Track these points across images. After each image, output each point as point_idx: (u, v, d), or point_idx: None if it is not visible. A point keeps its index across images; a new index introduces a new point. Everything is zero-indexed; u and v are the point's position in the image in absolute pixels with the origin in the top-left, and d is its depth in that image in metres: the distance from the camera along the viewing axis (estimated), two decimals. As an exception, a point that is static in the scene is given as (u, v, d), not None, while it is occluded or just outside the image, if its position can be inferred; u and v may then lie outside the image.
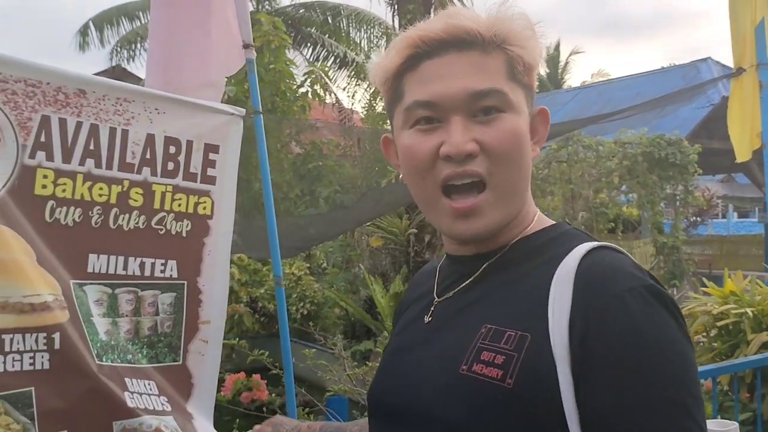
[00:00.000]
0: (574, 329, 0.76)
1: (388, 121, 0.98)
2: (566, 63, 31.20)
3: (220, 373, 3.95)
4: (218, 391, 3.61)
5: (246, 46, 1.95)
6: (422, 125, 0.87)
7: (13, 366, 1.46)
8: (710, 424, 0.92)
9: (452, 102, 0.85)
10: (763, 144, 2.99)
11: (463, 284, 0.92)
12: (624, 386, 0.73)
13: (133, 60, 16.35)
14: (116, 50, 17.23)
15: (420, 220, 5.33)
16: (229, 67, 2.04)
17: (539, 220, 0.93)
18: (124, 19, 16.74)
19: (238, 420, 3.22)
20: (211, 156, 1.83)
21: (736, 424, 0.97)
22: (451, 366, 0.84)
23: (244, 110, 1.88)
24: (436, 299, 0.96)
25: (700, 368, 2.83)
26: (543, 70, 31.38)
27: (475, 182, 0.86)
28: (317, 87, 8.50)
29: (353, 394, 3.46)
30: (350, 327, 6.65)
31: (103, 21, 16.73)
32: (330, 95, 10.62)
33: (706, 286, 4.98)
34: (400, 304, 1.11)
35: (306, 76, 8.66)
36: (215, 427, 2.85)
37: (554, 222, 0.94)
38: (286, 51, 8.50)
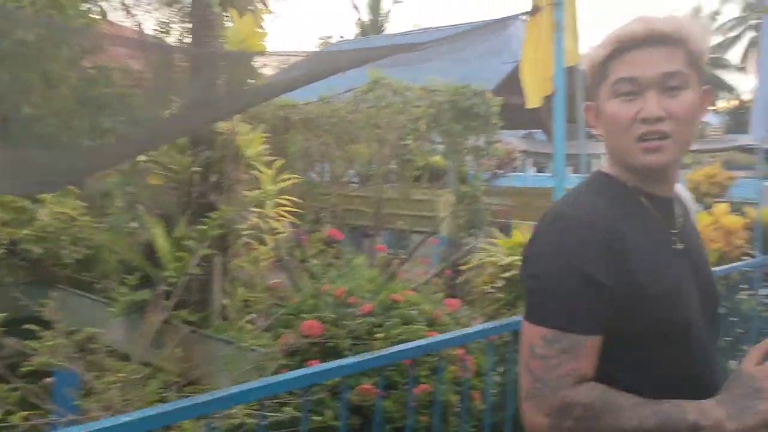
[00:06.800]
0: None
1: (589, 97, 1.34)
2: (388, 11, 31.20)
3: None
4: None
5: None
6: (624, 96, 1.23)
7: None
8: None
9: (649, 80, 1.22)
10: (555, 88, 2.83)
11: (680, 219, 1.34)
12: None
13: None
14: None
15: (206, 158, 4.75)
16: None
17: None
18: None
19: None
20: None
21: None
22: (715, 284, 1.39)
23: None
24: (677, 230, 1.32)
25: (480, 327, 2.66)
26: (365, 15, 31.18)
27: (661, 136, 1.22)
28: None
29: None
30: (133, 274, 5.95)
31: None
32: (130, 17, 9.40)
33: (506, 235, 5.01)
34: (614, 238, 1.22)
35: (90, -11, 7.50)
36: None
37: None
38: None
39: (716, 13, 37.77)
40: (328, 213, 10.31)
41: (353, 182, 12.22)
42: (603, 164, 1.36)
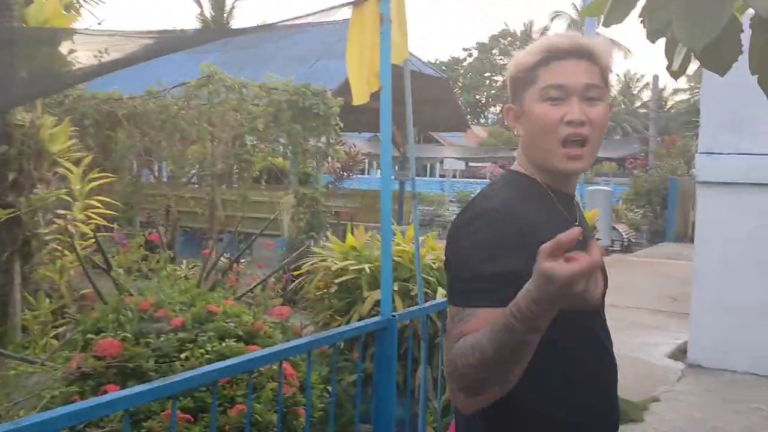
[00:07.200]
0: None
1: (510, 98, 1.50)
2: (232, 8, 30.36)
3: None
4: None
5: None
6: (552, 101, 1.39)
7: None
8: None
9: (574, 88, 1.39)
10: (381, 86, 2.69)
11: (578, 214, 1.52)
12: None
13: None
14: None
15: (1, 154, 4.15)
16: None
17: None
18: None
19: None
20: None
21: None
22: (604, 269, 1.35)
23: None
24: (577, 221, 1.47)
25: (298, 342, 2.46)
26: (208, 12, 30.07)
27: (582, 140, 1.40)
28: None
29: None
30: None
31: None
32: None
33: (342, 239, 4.83)
34: (526, 225, 1.36)
35: None
36: None
37: None
38: None
39: (546, 28, 40.58)
40: (160, 215, 9.68)
41: (194, 183, 11.59)
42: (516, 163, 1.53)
